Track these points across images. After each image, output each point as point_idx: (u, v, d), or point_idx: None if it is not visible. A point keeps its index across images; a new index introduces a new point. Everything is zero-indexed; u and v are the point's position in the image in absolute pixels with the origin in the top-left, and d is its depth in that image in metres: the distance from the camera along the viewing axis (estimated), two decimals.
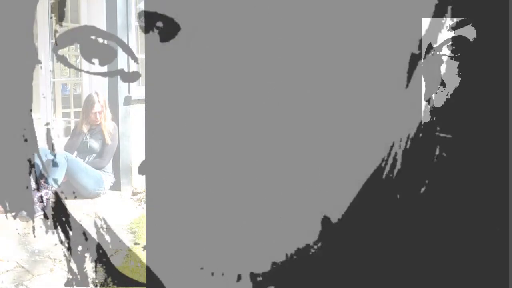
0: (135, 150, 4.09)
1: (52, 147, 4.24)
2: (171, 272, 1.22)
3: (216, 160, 1.17)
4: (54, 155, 3.54)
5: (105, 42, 1.14)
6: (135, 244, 2.79)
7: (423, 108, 1.17)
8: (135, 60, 1.13)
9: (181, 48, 1.15)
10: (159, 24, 1.07)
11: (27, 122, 1.20)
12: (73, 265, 1.32)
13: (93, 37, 1.09)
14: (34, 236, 1.36)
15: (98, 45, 1.09)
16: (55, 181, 3.35)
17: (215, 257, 1.20)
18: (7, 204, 1.29)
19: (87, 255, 1.31)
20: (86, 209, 3.35)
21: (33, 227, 1.32)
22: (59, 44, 1.12)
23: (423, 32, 1.13)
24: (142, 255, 2.60)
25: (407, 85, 1.14)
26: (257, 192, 1.16)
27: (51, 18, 4.31)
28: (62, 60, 1.17)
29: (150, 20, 1.08)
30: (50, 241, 2.58)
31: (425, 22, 1.13)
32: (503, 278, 1.18)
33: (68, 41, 1.11)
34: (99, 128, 3.79)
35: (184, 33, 1.14)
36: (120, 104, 3.98)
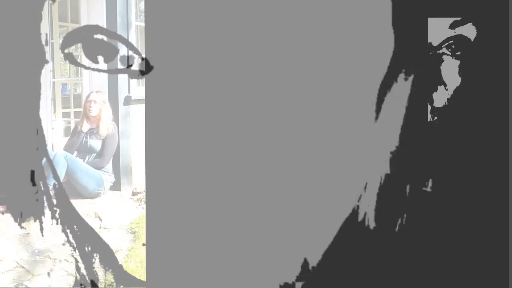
0: (135, 150, 4.08)
1: (52, 147, 4.24)
2: (171, 272, 1.22)
3: (215, 160, 1.17)
4: (54, 155, 3.55)
5: (108, 40, 1.14)
6: (143, 245, 2.79)
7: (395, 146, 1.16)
8: (139, 55, 1.13)
9: (181, 48, 1.15)
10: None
11: (36, 122, 1.20)
12: (81, 266, 1.32)
13: (97, 36, 1.09)
14: (42, 236, 1.36)
15: (101, 44, 1.10)
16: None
17: (215, 257, 1.20)
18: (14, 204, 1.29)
19: (95, 255, 1.31)
20: (86, 209, 3.35)
21: (41, 227, 1.32)
22: (65, 43, 1.12)
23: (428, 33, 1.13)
24: (142, 255, 2.60)
25: (376, 118, 1.13)
26: (256, 192, 1.16)
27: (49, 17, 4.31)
28: (69, 57, 1.17)
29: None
30: (50, 241, 2.58)
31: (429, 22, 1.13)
32: (503, 278, 1.18)
33: (74, 41, 1.12)
34: (99, 128, 3.79)
35: (185, 33, 1.14)
36: (120, 104, 3.98)
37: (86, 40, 1.10)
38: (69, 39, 1.12)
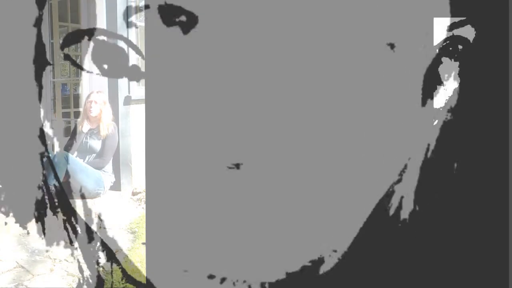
0: (135, 150, 4.09)
1: (52, 147, 4.25)
2: (171, 273, 1.22)
3: (216, 160, 1.17)
4: (54, 155, 3.55)
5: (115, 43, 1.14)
6: (143, 243, 2.80)
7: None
8: (142, 56, 1.13)
9: (182, 48, 1.15)
10: (182, 18, 1.07)
11: (36, 123, 1.20)
12: (82, 266, 1.33)
13: (99, 38, 1.09)
14: (44, 235, 1.37)
15: (108, 47, 1.10)
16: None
17: (216, 258, 1.20)
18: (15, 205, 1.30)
19: (96, 255, 1.31)
20: (86, 209, 3.35)
21: (43, 227, 1.33)
22: (65, 43, 1.12)
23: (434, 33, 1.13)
24: (142, 255, 2.61)
25: (423, 103, 1.12)
26: (260, 192, 1.16)
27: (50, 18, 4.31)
28: (69, 59, 1.18)
29: (170, 13, 1.07)
30: (50, 241, 2.58)
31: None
32: (503, 278, 1.18)
33: (74, 41, 1.12)
34: (99, 128, 3.80)
35: (186, 32, 1.14)
36: (120, 104, 3.99)
37: (94, 43, 1.10)
38: (69, 40, 1.12)
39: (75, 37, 1.10)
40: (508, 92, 1.16)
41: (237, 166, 1.07)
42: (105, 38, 1.10)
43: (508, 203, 1.18)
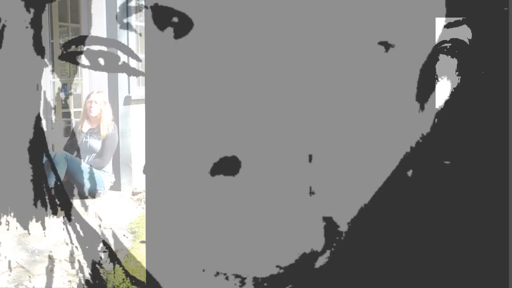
0: (135, 150, 4.09)
1: (52, 147, 4.25)
2: (171, 272, 1.22)
3: (215, 159, 1.17)
4: (54, 155, 3.55)
5: (108, 49, 1.15)
6: (141, 242, 2.79)
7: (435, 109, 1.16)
8: (138, 59, 1.13)
9: (181, 48, 1.15)
10: (175, 19, 1.07)
11: (37, 123, 1.20)
12: (82, 265, 1.33)
13: (95, 47, 1.10)
14: (45, 235, 1.37)
15: (101, 53, 1.10)
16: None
17: (215, 258, 1.20)
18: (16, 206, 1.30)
19: (96, 255, 1.31)
20: (86, 209, 3.35)
21: (43, 227, 1.33)
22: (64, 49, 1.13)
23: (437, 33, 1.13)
24: (142, 255, 2.61)
25: (421, 107, 1.13)
26: (259, 193, 1.16)
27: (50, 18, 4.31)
28: (65, 58, 1.18)
29: (165, 15, 1.08)
30: (50, 241, 2.58)
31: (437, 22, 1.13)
32: (503, 278, 1.18)
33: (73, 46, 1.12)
34: (99, 128, 3.80)
35: (184, 33, 1.14)
36: (120, 104, 3.99)
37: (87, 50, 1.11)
38: (69, 45, 1.12)
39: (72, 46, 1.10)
40: (508, 91, 1.16)
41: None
42: (99, 46, 1.11)
43: (508, 202, 1.18)
